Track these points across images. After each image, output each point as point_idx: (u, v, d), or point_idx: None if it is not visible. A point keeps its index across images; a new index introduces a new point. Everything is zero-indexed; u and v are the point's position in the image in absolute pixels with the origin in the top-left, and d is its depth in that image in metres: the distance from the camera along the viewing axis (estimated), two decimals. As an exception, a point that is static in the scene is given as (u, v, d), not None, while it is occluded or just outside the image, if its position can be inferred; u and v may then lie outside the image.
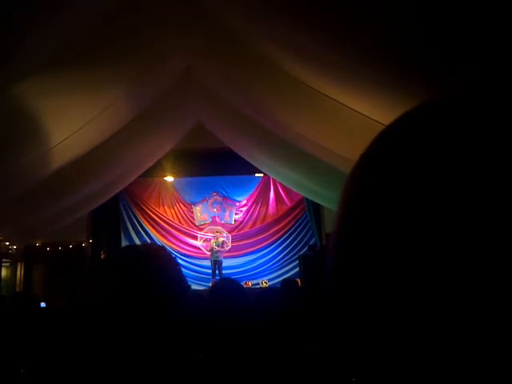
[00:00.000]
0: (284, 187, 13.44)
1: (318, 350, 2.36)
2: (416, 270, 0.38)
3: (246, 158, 10.72)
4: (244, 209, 14.21)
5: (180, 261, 13.09)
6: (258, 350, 2.16)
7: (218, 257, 12.59)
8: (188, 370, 1.22)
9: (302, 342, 2.62)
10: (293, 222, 13.88)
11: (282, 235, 13.85)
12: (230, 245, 13.49)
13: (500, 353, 0.35)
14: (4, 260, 11.20)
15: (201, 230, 13.97)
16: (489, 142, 0.38)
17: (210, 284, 11.38)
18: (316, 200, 11.87)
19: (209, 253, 12.89)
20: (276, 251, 13.78)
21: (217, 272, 12.47)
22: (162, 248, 1.30)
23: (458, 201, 0.37)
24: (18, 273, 11.79)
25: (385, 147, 0.45)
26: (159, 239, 13.67)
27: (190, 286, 1.29)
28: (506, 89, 0.40)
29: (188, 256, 13.71)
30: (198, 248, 13.75)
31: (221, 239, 12.90)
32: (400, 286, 0.39)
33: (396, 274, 0.39)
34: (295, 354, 2.33)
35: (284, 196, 13.96)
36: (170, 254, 1.27)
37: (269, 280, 12.77)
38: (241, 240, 13.87)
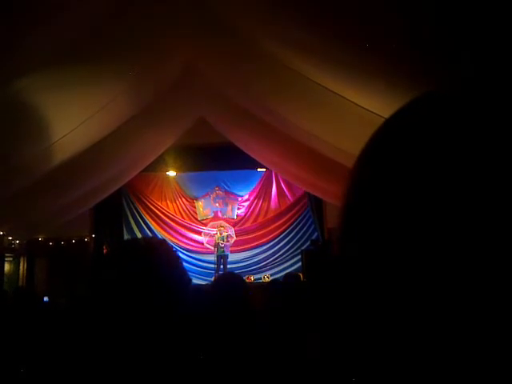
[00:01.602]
0: (286, 182, 13.44)
1: (319, 346, 2.36)
2: (417, 267, 0.38)
3: (248, 153, 10.72)
4: (246, 203, 14.21)
5: (182, 255, 13.11)
6: (259, 346, 2.16)
7: (223, 251, 12.58)
8: (188, 365, 1.22)
9: (303, 337, 2.63)
10: (295, 217, 13.88)
11: (284, 230, 13.85)
12: (234, 237, 13.49)
13: (500, 352, 0.35)
14: (7, 255, 11.24)
15: (203, 224, 13.99)
16: (488, 136, 0.37)
17: (213, 278, 11.42)
18: (318, 195, 11.87)
19: (214, 248, 12.85)
20: (278, 246, 13.79)
21: (221, 267, 12.46)
22: (164, 242, 1.30)
23: (458, 195, 0.37)
24: (21, 267, 11.84)
25: (385, 140, 0.45)
26: (161, 234, 13.68)
27: (191, 279, 1.29)
28: (505, 83, 0.40)
29: (190, 251, 13.74)
30: (201, 243, 13.77)
31: (225, 233, 12.90)
32: (402, 283, 0.39)
33: (398, 270, 0.39)
34: (296, 350, 2.33)
35: (286, 191, 13.96)
36: (171, 247, 1.27)
37: (271, 275, 12.79)
38: (243, 235, 13.88)
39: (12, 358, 3.17)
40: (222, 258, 12.55)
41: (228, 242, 12.85)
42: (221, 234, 12.85)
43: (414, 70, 4.10)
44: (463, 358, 0.36)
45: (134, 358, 1.10)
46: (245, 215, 14.15)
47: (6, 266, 11.47)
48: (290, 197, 13.99)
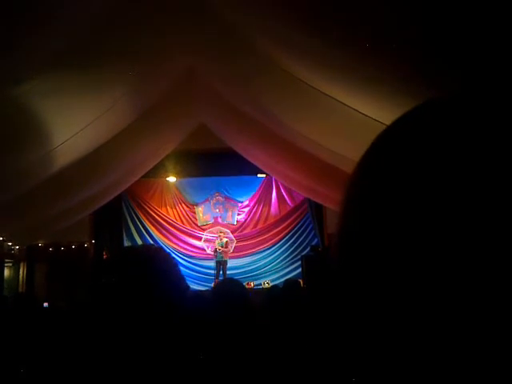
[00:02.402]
0: (286, 188, 13.45)
1: (320, 350, 2.36)
2: (416, 270, 0.38)
3: (248, 159, 10.73)
4: (246, 209, 14.22)
5: (182, 261, 13.11)
6: (259, 351, 2.16)
7: (222, 257, 12.55)
8: (188, 370, 1.22)
9: (303, 342, 2.62)
10: (295, 223, 13.88)
11: (285, 236, 13.85)
12: (234, 243, 13.49)
13: (500, 352, 0.35)
14: (6, 260, 11.23)
15: (203, 230, 13.98)
16: (489, 144, 0.37)
17: (213, 284, 11.39)
18: (318, 200, 11.86)
19: (213, 253, 12.84)
20: (278, 252, 13.78)
21: (221, 273, 12.43)
22: (161, 249, 1.31)
23: (460, 203, 0.37)
24: (21, 273, 11.83)
25: (385, 148, 0.45)
26: (161, 240, 13.69)
27: (188, 286, 1.29)
28: (506, 91, 0.40)
29: (190, 257, 13.72)
30: (201, 248, 13.76)
31: (224, 239, 12.88)
32: (401, 286, 0.39)
33: (398, 274, 0.39)
34: (296, 354, 2.33)
35: (286, 196, 13.97)
36: (168, 255, 1.27)
37: (271, 281, 12.77)
38: (243, 241, 13.88)
39: (13, 364, 3.16)
40: (221, 263, 12.52)
41: (227, 247, 12.82)
42: (220, 239, 12.84)
43: (414, 75, 4.11)
44: (463, 358, 0.36)
45: (132, 361, 1.10)
46: (245, 221, 14.15)
47: (6, 272, 11.46)
48: (290, 202, 14.00)
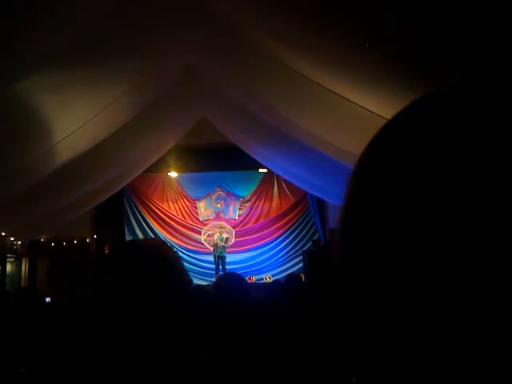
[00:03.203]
0: (288, 182, 13.43)
1: (320, 347, 2.36)
2: (418, 269, 0.38)
3: (250, 154, 10.72)
4: (248, 204, 14.21)
5: (184, 256, 13.13)
6: (260, 347, 2.16)
7: (221, 252, 12.57)
8: (189, 366, 1.22)
9: (304, 337, 2.63)
10: (296, 218, 13.88)
11: (286, 230, 13.85)
12: (233, 240, 13.50)
13: (500, 353, 0.35)
14: (9, 255, 11.26)
15: (205, 225, 13.99)
16: (490, 138, 0.37)
17: (214, 279, 11.41)
18: (320, 195, 11.86)
19: (212, 248, 12.88)
20: (280, 246, 13.79)
21: (220, 267, 12.46)
22: (164, 243, 1.30)
23: (461, 198, 0.37)
24: (23, 268, 11.85)
25: (385, 143, 0.45)
26: (163, 234, 13.70)
27: (191, 280, 1.29)
28: (506, 85, 0.40)
29: (192, 251, 13.74)
30: (202, 243, 13.76)
31: (224, 235, 12.88)
32: (401, 284, 0.39)
33: (398, 270, 0.39)
34: (297, 351, 2.33)
35: (288, 191, 13.96)
36: (171, 248, 1.27)
37: (273, 275, 12.76)
38: (244, 235, 13.88)
39: (14, 359, 3.17)
40: (220, 258, 12.54)
41: (227, 243, 12.84)
42: (221, 234, 12.85)
43: (414, 70, 4.10)
44: (463, 359, 0.36)
45: (134, 358, 1.11)
46: (246, 216, 14.15)
47: (8, 267, 11.48)
48: (291, 197, 13.99)
